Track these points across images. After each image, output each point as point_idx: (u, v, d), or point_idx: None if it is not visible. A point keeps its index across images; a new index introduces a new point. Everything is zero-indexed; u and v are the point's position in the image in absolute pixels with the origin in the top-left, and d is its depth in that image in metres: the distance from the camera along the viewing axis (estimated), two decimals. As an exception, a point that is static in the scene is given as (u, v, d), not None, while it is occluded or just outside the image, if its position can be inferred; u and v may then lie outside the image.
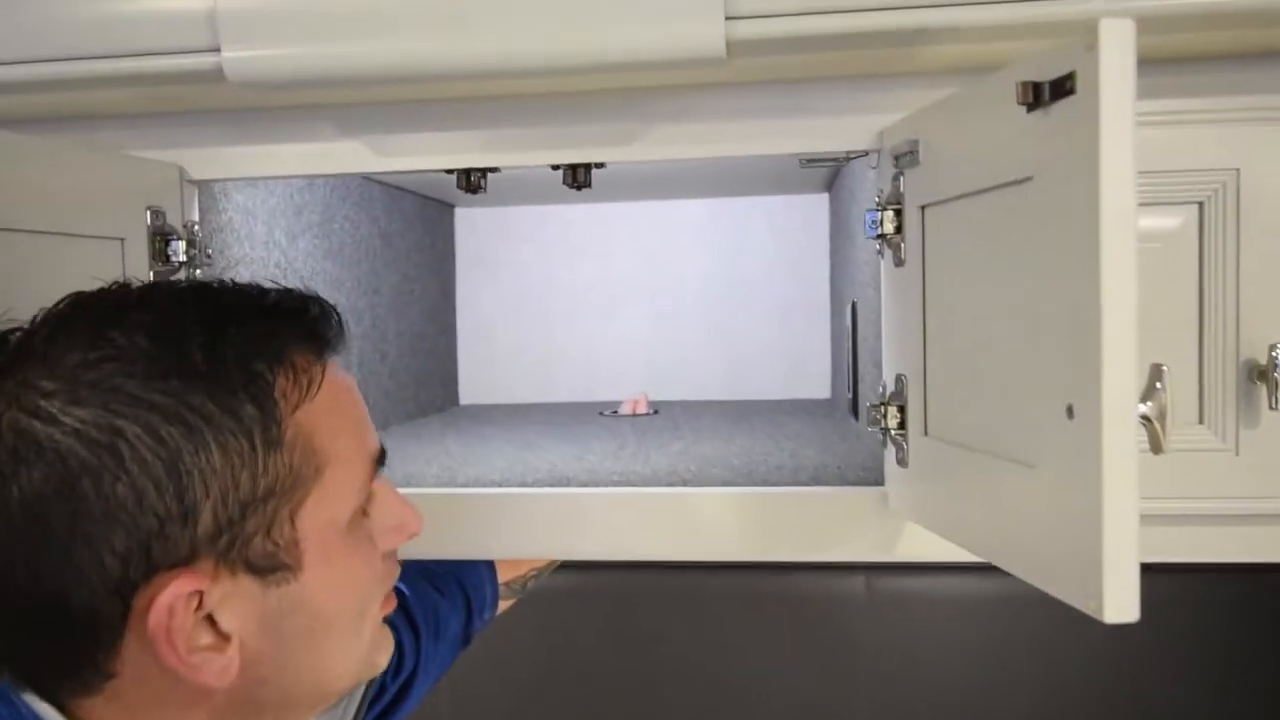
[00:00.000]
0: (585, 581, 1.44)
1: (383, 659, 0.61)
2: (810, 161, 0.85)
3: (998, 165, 0.63)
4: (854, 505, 0.84)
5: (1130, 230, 0.52)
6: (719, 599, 1.45)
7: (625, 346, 1.76)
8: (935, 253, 0.74)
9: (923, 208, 0.75)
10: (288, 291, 0.57)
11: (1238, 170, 0.77)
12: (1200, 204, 0.78)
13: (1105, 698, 1.40)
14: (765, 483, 0.91)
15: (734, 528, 0.85)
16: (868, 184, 1.11)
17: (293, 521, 0.53)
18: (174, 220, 0.87)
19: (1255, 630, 1.37)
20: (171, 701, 0.53)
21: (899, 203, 0.78)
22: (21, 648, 0.52)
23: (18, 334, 0.52)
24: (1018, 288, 0.61)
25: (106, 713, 0.52)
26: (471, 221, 1.78)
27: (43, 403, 0.48)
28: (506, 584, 1.04)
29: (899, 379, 0.80)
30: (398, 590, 0.90)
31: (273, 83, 0.77)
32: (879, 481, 0.86)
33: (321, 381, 0.54)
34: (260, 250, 1.09)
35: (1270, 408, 0.76)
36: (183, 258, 0.87)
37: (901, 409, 0.79)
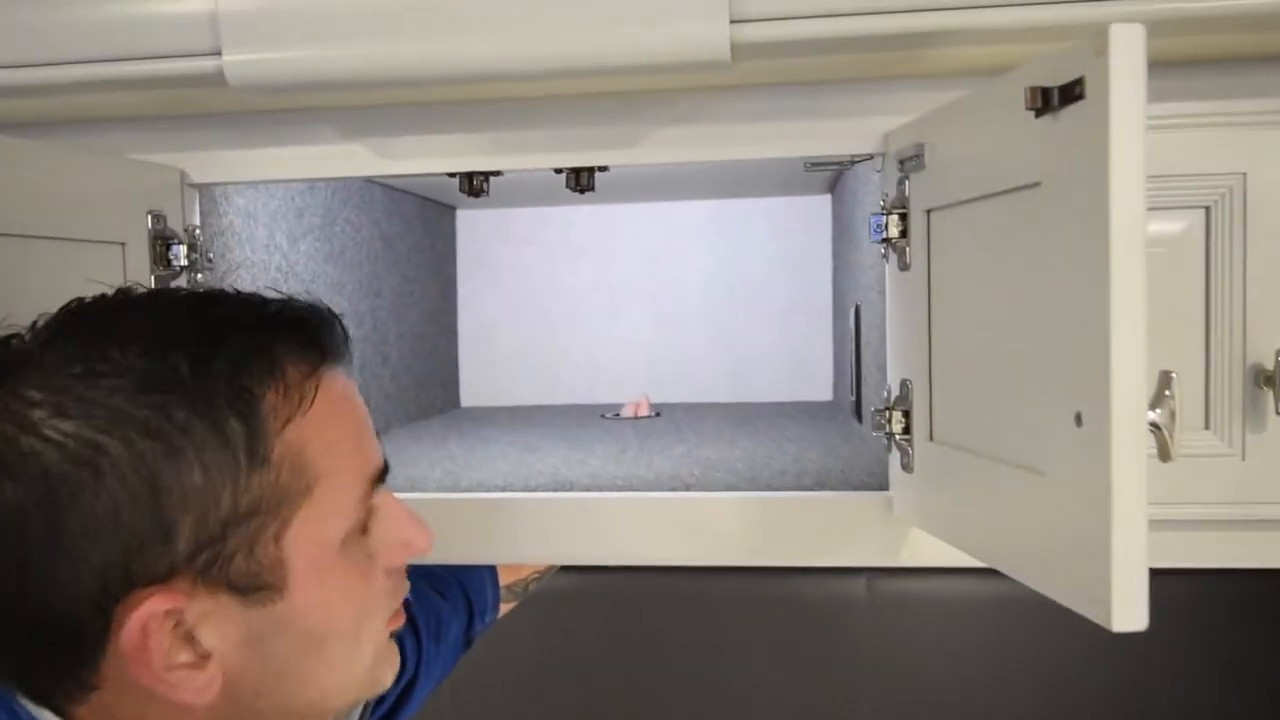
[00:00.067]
0: (586, 583, 1.44)
1: (388, 677, 0.60)
2: (815, 165, 0.84)
3: (1005, 170, 0.62)
4: (858, 510, 0.84)
5: (1140, 237, 0.51)
6: (720, 601, 1.45)
7: (626, 348, 1.76)
8: (941, 257, 0.73)
9: (928, 212, 0.74)
10: (288, 301, 0.56)
11: (1244, 174, 0.77)
12: (1207, 208, 0.78)
13: (1107, 700, 1.40)
14: (769, 487, 0.90)
15: (738, 533, 0.84)
16: (871, 186, 1.11)
17: (278, 540, 0.51)
18: (175, 224, 0.87)
19: (1257, 632, 1.36)
20: (153, 716, 0.52)
21: (904, 207, 0.77)
22: (12, 654, 0.51)
23: (15, 340, 0.52)
24: (1025, 293, 0.61)
25: None
26: (472, 223, 1.78)
27: (30, 413, 0.48)
28: (508, 587, 1.04)
29: (904, 384, 0.79)
30: (399, 593, 0.90)
31: (274, 86, 0.77)
32: (883, 486, 0.86)
33: (316, 394, 0.53)
34: (261, 253, 1.09)
35: (1276, 413, 0.76)
36: (184, 262, 0.87)
37: (906, 414, 0.79)
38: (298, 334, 0.54)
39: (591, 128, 0.84)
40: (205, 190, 0.93)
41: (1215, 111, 0.77)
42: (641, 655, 1.46)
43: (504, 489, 0.93)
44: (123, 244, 0.82)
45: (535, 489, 0.92)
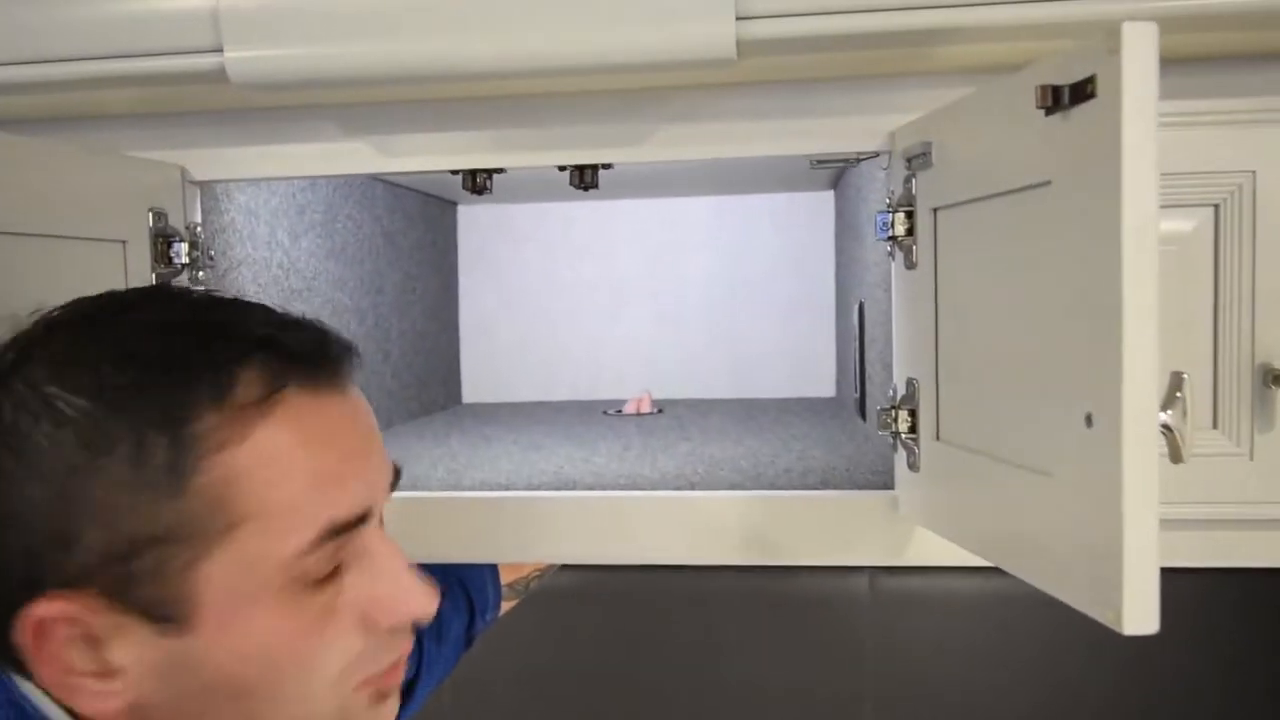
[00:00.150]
0: (587, 581, 1.44)
1: None
2: (821, 162, 0.84)
3: (1014, 169, 0.62)
4: (864, 510, 0.83)
5: (1152, 237, 0.51)
6: (722, 598, 1.44)
7: (628, 344, 1.75)
8: (948, 256, 0.73)
9: (935, 210, 0.74)
10: (282, 318, 0.51)
11: (1254, 172, 0.76)
12: (1216, 206, 0.77)
13: (1110, 698, 1.40)
14: (773, 485, 0.90)
15: (744, 533, 0.84)
16: (875, 182, 1.10)
17: (188, 573, 0.47)
18: (176, 222, 0.86)
19: (1261, 631, 1.36)
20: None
21: (911, 205, 0.77)
22: None
23: (19, 335, 0.51)
24: (1034, 293, 0.61)
25: None
26: (474, 219, 1.77)
27: None
28: (509, 585, 1.04)
29: (910, 383, 0.79)
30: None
31: (276, 83, 0.76)
32: (888, 485, 0.86)
33: (269, 423, 0.48)
34: (263, 251, 1.09)
35: (1285, 412, 0.76)
36: (185, 260, 0.86)
37: (912, 413, 0.78)
38: (265, 353, 0.49)
39: (595, 125, 0.83)
40: (206, 187, 0.93)
41: (1224, 109, 0.76)
42: (643, 653, 1.45)
43: (507, 487, 0.92)
44: (124, 242, 0.82)
45: (539, 487, 0.92)
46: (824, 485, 0.90)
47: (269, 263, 1.10)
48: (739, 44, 0.72)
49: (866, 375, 1.20)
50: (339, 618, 0.51)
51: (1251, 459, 0.77)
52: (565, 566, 1.03)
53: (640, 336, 1.75)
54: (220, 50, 0.75)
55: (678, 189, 1.66)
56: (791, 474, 0.92)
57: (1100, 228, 0.52)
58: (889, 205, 0.79)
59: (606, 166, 0.88)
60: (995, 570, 0.68)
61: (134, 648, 0.49)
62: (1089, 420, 0.54)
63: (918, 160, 0.75)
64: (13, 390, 0.48)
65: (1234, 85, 0.77)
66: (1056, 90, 0.55)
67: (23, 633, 0.48)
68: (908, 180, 0.77)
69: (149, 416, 0.47)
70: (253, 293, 1.05)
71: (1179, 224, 0.77)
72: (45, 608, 0.47)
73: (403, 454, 1.11)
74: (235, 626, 0.48)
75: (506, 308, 1.77)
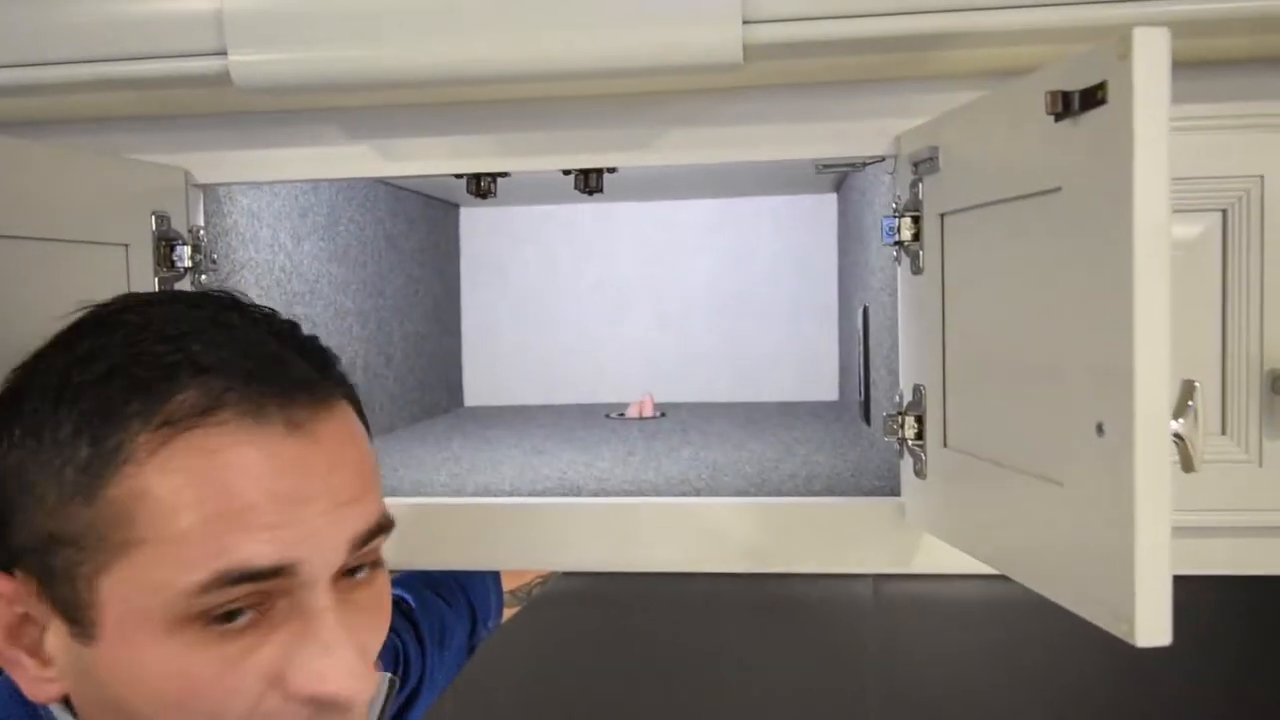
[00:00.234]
0: (588, 587, 1.43)
1: None
2: (826, 167, 0.83)
3: (1023, 174, 0.61)
4: (870, 517, 0.83)
5: (1164, 245, 0.50)
6: (724, 604, 1.44)
7: (630, 347, 1.75)
8: (956, 261, 0.72)
9: (942, 215, 0.73)
10: (257, 349, 0.49)
11: (1262, 177, 0.76)
12: (1223, 211, 0.77)
13: (1113, 704, 1.39)
14: (778, 491, 0.90)
15: (749, 539, 0.84)
16: (879, 186, 1.10)
17: (92, 582, 0.47)
18: (179, 225, 0.86)
19: (1267, 638, 1.36)
20: None
21: (918, 210, 0.77)
22: None
23: None
24: (1044, 300, 0.60)
25: None
26: (476, 221, 1.77)
27: None
28: (511, 592, 1.03)
29: (917, 389, 0.78)
30: (403, 600, 0.89)
31: (280, 87, 0.76)
32: (894, 491, 0.85)
33: (189, 452, 0.46)
34: (266, 254, 1.08)
35: (1294, 419, 0.75)
36: (188, 263, 0.86)
37: (919, 419, 0.78)
38: (209, 379, 0.47)
39: (600, 129, 0.83)
40: (209, 191, 0.92)
41: (1232, 113, 0.76)
42: (645, 658, 1.45)
43: (511, 493, 0.92)
44: (126, 245, 0.81)
45: (543, 493, 0.91)
46: (829, 491, 0.89)
47: (271, 266, 1.09)
48: (745, 48, 0.71)
49: (871, 380, 1.20)
50: (243, 673, 0.47)
51: (1260, 466, 0.77)
52: (567, 572, 1.03)
53: (642, 339, 1.75)
54: (224, 54, 0.75)
55: (680, 191, 1.66)
56: (796, 479, 0.91)
57: (1112, 234, 0.52)
58: (895, 210, 0.79)
59: (611, 170, 0.88)
60: (997, 576, 0.68)
61: (59, 642, 0.50)
62: (1100, 429, 0.54)
63: (925, 165, 0.74)
64: (26, 385, 0.50)
65: (1241, 89, 0.76)
66: (1066, 96, 0.55)
67: None
68: (914, 185, 0.77)
69: (88, 418, 0.47)
70: (255, 296, 1.04)
71: (1186, 229, 0.77)
72: None
73: (405, 458, 1.10)
74: (130, 650, 0.47)
75: (508, 310, 1.77)
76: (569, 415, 1.53)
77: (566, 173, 0.87)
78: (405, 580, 0.93)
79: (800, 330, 1.71)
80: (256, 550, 0.46)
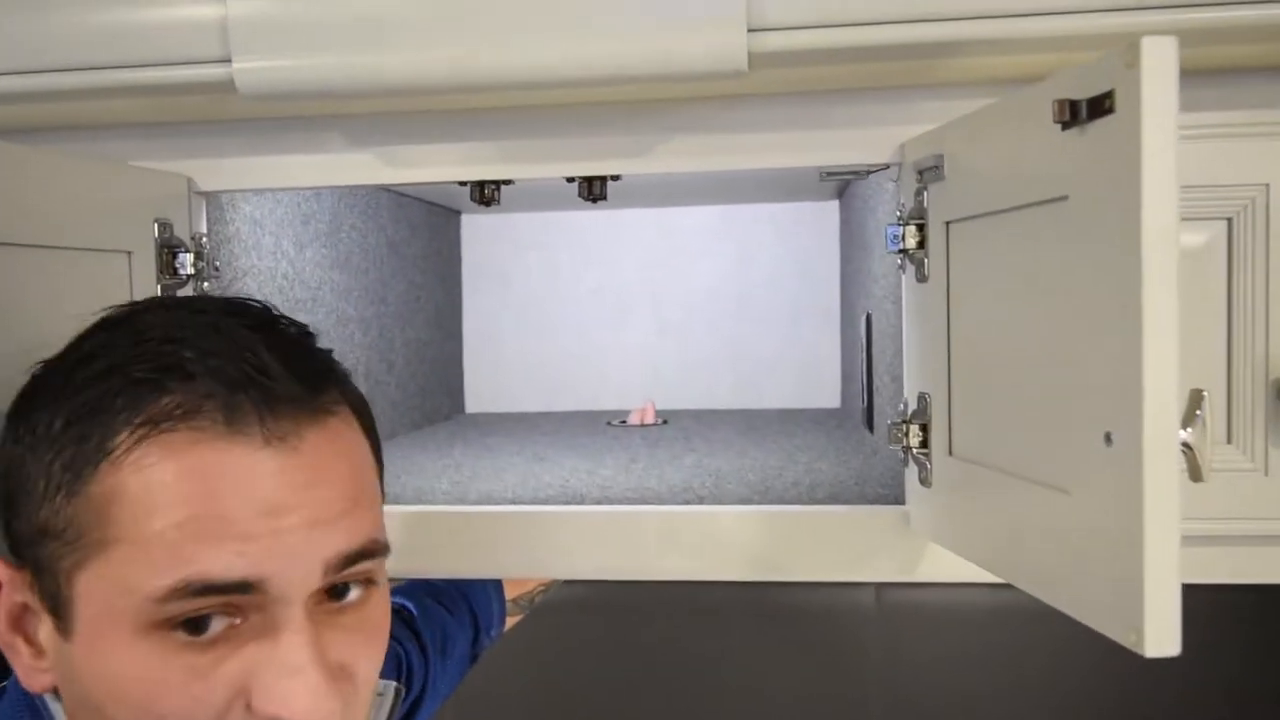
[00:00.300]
0: (590, 594, 1.43)
1: None
2: (830, 174, 0.83)
3: (1030, 183, 0.61)
4: (875, 525, 0.83)
5: (1172, 253, 0.50)
6: (726, 611, 1.44)
7: (631, 354, 1.75)
8: (961, 269, 0.72)
9: (947, 223, 0.73)
10: (253, 358, 0.48)
11: (1267, 185, 0.75)
12: (1229, 220, 0.76)
13: (1117, 712, 1.39)
14: (781, 499, 0.89)
15: (753, 548, 0.83)
16: (882, 193, 1.10)
17: (71, 577, 0.48)
18: (181, 232, 0.86)
19: (1270, 644, 1.35)
20: None
21: (922, 218, 0.76)
22: None
23: None
24: (1051, 309, 0.60)
25: None
26: (477, 228, 1.77)
27: None
28: (514, 600, 1.03)
29: (922, 397, 0.78)
30: (405, 608, 0.89)
31: (284, 94, 0.76)
32: (898, 499, 0.85)
33: (167, 456, 0.46)
34: (268, 261, 1.08)
35: (1300, 427, 0.75)
36: (190, 270, 0.85)
37: (924, 427, 0.78)
38: (193, 385, 0.47)
39: (604, 136, 0.83)
40: (212, 198, 0.92)
41: (1237, 122, 0.76)
42: (647, 667, 1.45)
43: (513, 501, 0.92)
44: (129, 253, 0.81)
45: (545, 501, 0.91)
46: (833, 499, 0.89)
47: (274, 273, 1.09)
48: (750, 56, 0.71)
49: (874, 387, 1.20)
50: (211, 684, 0.47)
51: (1266, 474, 0.77)
52: (569, 580, 1.02)
53: (643, 346, 1.74)
54: (229, 61, 0.75)
55: (681, 198, 1.66)
56: (800, 487, 0.91)
57: (1120, 243, 0.52)
58: (900, 218, 0.78)
59: (615, 178, 0.88)
60: (999, 584, 0.67)
61: (48, 635, 0.51)
62: (1109, 439, 0.53)
63: (930, 173, 0.74)
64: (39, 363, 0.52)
65: (1247, 98, 0.76)
66: (1074, 104, 0.55)
67: None
68: (919, 193, 0.76)
69: (79, 414, 0.48)
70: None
71: (1192, 237, 0.77)
72: None
73: (407, 465, 1.10)
74: (101, 649, 0.47)
75: (510, 317, 1.77)
76: (570, 422, 1.53)
77: (570, 180, 0.87)
78: (407, 588, 0.93)
79: (802, 337, 1.71)
80: (224, 562, 0.46)
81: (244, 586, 0.46)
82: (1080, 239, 0.56)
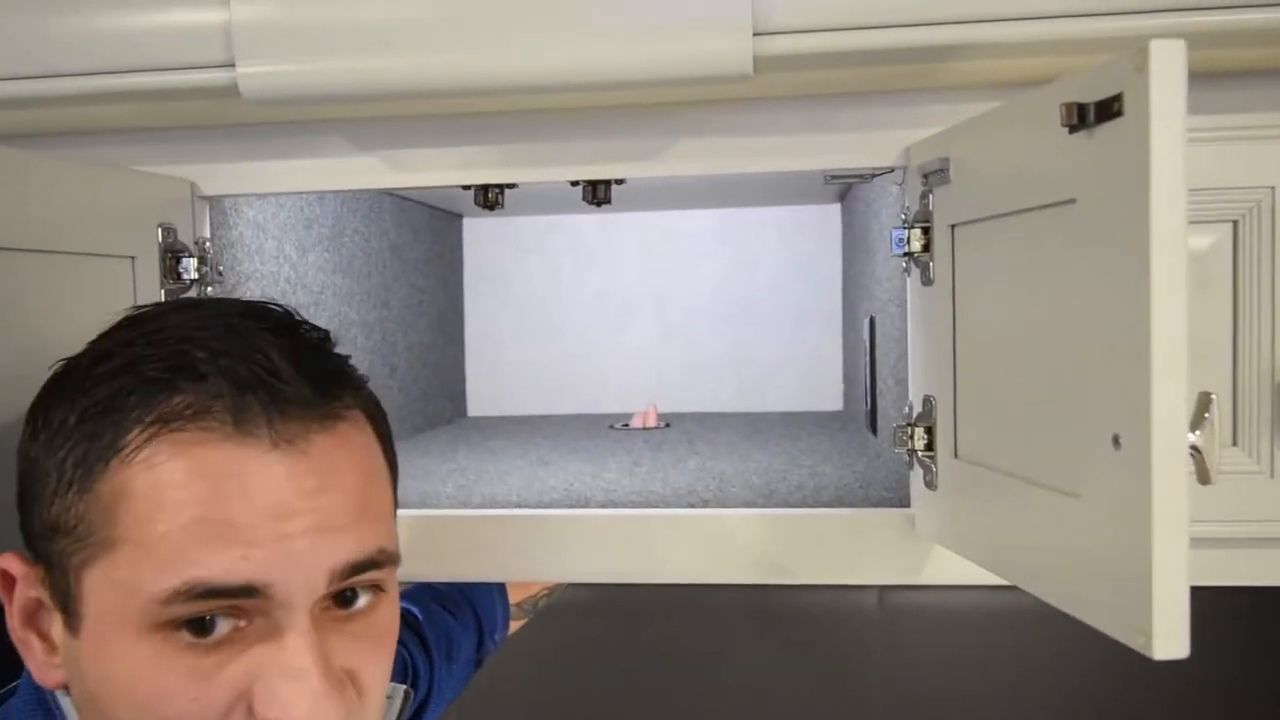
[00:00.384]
0: (594, 597, 1.43)
1: None
2: (835, 178, 0.83)
3: (1037, 186, 0.61)
4: (879, 528, 0.83)
5: (1181, 257, 0.50)
6: (729, 612, 1.44)
7: (634, 357, 1.75)
8: (966, 273, 0.72)
9: (953, 226, 0.73)
10: (264, 360, 0.48)
11: (1273, 188, 0.75)
12: (1234, 222, 0.76)
13: (1119, 713, 1.39)
14: (785, 502, 0.89)
15: (759, 551, 0.83)
16: (885, 197, 1.09)
17: (79, 574, 0.48)
18: (185, 237, 0.86)
19: (1273, 645, 1.35)
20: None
21: (928, 221, 0.76)
22: None
23: None
24: (1058, 312, 0.60)
25: None
26: (479, 232, 1.77)
27: None
28: (518, 604, 1.03)
29: (927, 400, 0.78)
30: (410, 613, 0.89)
31: (288, 98, 0.76)
32: (902, 501, 0.85)
33: (174, 457, 0.46)
34: (271, 265, 1.08)
35: (1306, 430, 0.75)
36: (194, 275, 0.85)
37: (929, 430, 0.78)
38: (204, 386, 0.47)
39: (608, 140, 0.83)
40: (215, 202, 0.92)
41: (1243, 124, 0.76)
42: (651, 668, 1.44)
43: (518, 504, 0.92)
44: (133, 258, 0.81)
45: (549, 505, 0.91)
46: (837, 502, 0.89)
47: (277, 277, 1.09)
48: (756, 59, 0.71)
49: (878, 390, 1.19)
50: (214, 687, 0.46)
51: (1272, 476, 0.77)
52: (574, 584, 1.02)
53: (646, 349, 1.74)
54: (232, 65, 0.75)
55: (684, 201, 1.66)
56: (804, 490, 0.91)
57: (1128, 247, 0.52)
58: (905, 221, 0.78)
59: (620, 182, 0.88)
60: (1004, 586, 0.67)
61: (59, 631, 0.51)
62: (1117, 441, 0.53)
63: (935, 176, 0.74)
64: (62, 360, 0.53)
65: (1252, 100, 0.76)
66: (1082, 108, 0.55)
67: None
68: (924, 196, 0.76)
69: (92, 411, 0.48)
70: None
71: (1197, 240, 0.77)
72: (7, 560, 0.51)
73: (410, 469, 1.10)
74: (105, 647, 0.48)
75: (512, 320, 1.77)
76: (573, 426, 1.53)
77: (574, 184, 0.87)
78: (411, 593, 0.93)
79: (804, 340, 1.70)
80: (227, 566, 0.46)
81: (247, 591, 0.46)
82: (1088, 242, 0.56)
